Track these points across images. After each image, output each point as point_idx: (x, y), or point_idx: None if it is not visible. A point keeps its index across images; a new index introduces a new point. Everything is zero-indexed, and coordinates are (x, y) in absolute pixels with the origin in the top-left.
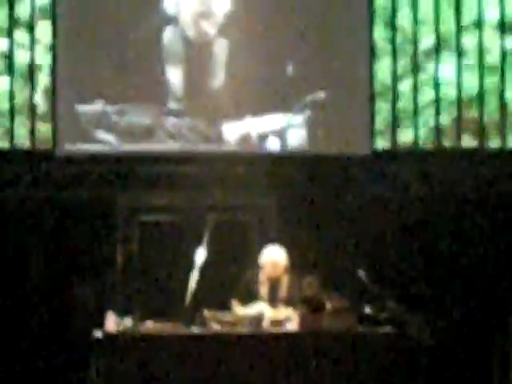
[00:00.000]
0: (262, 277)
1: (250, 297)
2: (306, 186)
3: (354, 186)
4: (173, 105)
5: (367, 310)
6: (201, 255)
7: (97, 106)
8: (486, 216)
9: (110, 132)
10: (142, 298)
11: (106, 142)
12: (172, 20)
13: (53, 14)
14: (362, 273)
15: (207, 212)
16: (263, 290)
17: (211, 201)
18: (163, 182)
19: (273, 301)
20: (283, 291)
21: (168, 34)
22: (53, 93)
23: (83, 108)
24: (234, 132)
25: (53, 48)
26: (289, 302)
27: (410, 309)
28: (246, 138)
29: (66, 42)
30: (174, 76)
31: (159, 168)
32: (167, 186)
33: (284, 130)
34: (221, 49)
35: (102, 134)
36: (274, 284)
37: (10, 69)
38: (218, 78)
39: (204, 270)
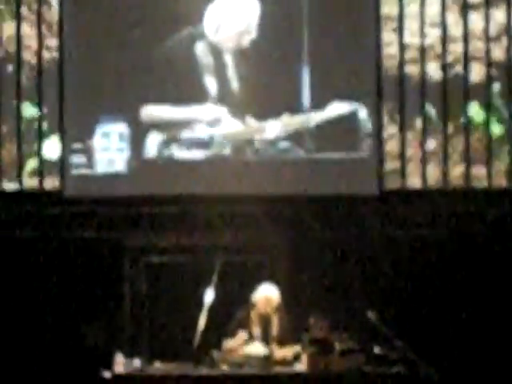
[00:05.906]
0: (254, 315)
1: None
2: (315, 226)
3: (362, 227)
4: None
5: (376, 350)
6: (209, 296)
7: None
8: (496, 257)
9: None
10: (150, 339)
11: None
12: None
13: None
14: (371, 313)
15: (215, 252)
16: (255, 329)
17: (220, 241)
18: (171, 223)
19: (265, 340)
20: (275, 330)
21: None
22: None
23: None
24: None
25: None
26: (281, 341)
27: (418, 349)
28: None
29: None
30: None
31: (167, 208)
32: (174, 227)
33: None
34: None
35: None
36: (265, 322)
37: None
38: None
39: (212, 310)
